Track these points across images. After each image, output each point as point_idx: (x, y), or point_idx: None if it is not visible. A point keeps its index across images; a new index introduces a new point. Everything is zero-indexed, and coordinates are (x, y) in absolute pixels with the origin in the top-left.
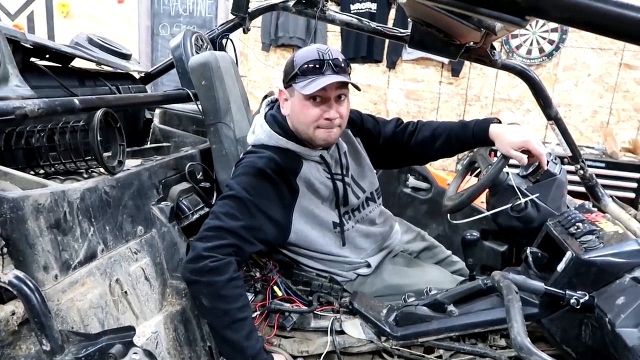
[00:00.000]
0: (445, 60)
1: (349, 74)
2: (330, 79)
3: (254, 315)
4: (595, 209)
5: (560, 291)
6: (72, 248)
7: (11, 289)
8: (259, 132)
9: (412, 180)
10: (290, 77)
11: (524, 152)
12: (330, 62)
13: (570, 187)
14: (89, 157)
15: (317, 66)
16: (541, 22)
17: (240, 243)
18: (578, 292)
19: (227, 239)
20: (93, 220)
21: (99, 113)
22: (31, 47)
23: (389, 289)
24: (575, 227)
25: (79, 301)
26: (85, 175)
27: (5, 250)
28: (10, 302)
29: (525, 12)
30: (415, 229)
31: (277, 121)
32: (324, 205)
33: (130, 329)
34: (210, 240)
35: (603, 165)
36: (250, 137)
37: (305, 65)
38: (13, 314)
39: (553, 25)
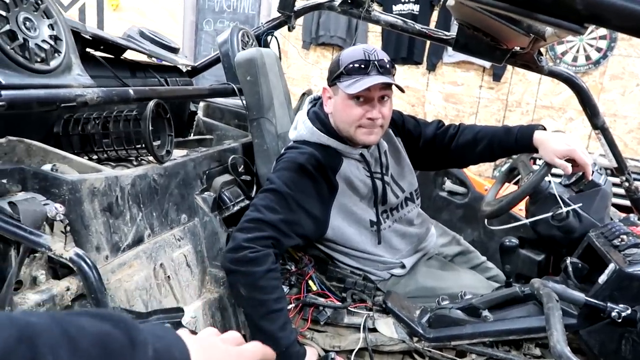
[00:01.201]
0: (487, 65)
1: (394, 75)
2: (375, 79)
3: (288, 307)
4: None
5: (602, 303)
6: (122, 231)
7: (72, 265)
8: (301, 128)
9: (449, 184)
10: (335, 76)
11: (568, 161)
12: (375, 62)
13: (614, 200)
14: (140, 146)
15: (363, 66)
16: (590, 28)
17: (279, 236)
18: (620, 305)
19: (266, 231)
20: (142, 205)
21: (151, 104)
22: (90, 38)
23: (422, 290)
24: (620, 240)
25: (126, 282)
26: (135, 163)
27: (68, 228)
28: (65, 278)
29: (584, 20)
30: (451, 232)
31: (319, 118)
32: (362, 203)
33: (180, 310)
34: (250, 232)
35: None
36: (292, 132)
37: (351, 65)
38: (67, 289)
39: (602, 32)
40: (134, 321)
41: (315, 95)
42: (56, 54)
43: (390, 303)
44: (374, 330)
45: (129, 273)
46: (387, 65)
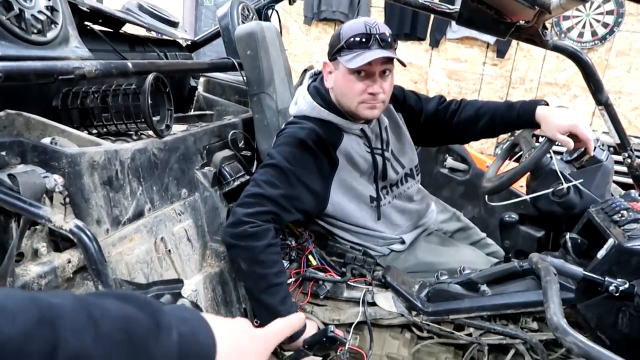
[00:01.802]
0: (491, 41)
1: (395, 49)
2: (376, 53)
3: (288, 281)
4: None
5: (600, 277)
6: (122, 205)
7: (72, 237)
8: (301, 103)
9: (450, 161)
10: (336, 50)
11: (570, 136)
12: (377, 36)
13: (616, 178)
14: (139, 120)
15: (364, 40)
16: (596, 3)
17: (279, 211)
18: (618, 279)
19: (266, 206)
20: (142, 180)
21: (150, 77)
22: (87, 10)
23: (421, 266)
24: (620, 215)
25: (127, 255)
26: (135, 137)
27: (67, 200)
28: (67, 250)
29: None
30: (451, 209)
31: (319, 93)
32: (362, 178)
33: (179, 282)
34: (251, 207)
35: None
36: (292, 108)
37: (352, 39)
38: (69, 261)
39: (609, 7)
40: (159, 303)
41: (316, 70)
42: (53, 26)
43: (390, 277)
44: (373, 304)
45: (129, 246)
46: (389, 39)
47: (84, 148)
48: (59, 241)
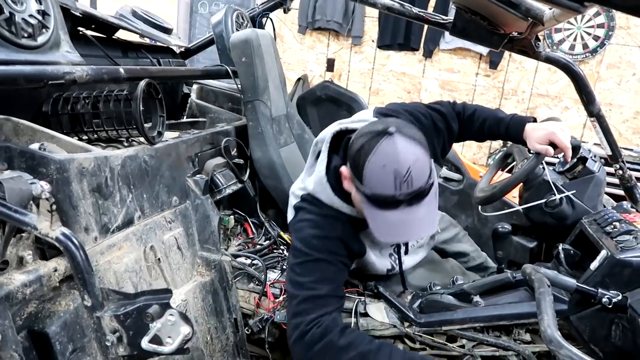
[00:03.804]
0: (484, 52)
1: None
2: (405, 222)
3: (280, 295)
4: (634, 210)
5: (593, 289)
6: (111, 212)
7: (58, 245)
8: (322, 194)
9: (444, 170)
10: (358, 182)
11: (552, 145)
12: (407, 196)
13: (608, 189)
14: (131, 126)
15: (391, 202)
16: (587, 16)
17: (338, 302)
18: (611, 291)
19: (327, 306)
20: (132, 187)
21: (142, 83)
22: (80, 15)
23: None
24: (612, 227)
25: (115, 264)
26: (126, 144)
27: (54, 207)
28: (53, 259)
29: None
30: (454, 225)
31: (340, 190)
32: (383, 250)
33: (168, 292)
34: (310, 312)
35: None
36: (309, 181)
37: (377, 195)
38: (55, 270)
39: (600, 20)
40: None
41: (329, 136)
42: (44, 30)
43: (382, 288)
44: (365, 314)
45: (118, 255)
46: (423, 190)
47: (73, 154)
48: (45, 249)
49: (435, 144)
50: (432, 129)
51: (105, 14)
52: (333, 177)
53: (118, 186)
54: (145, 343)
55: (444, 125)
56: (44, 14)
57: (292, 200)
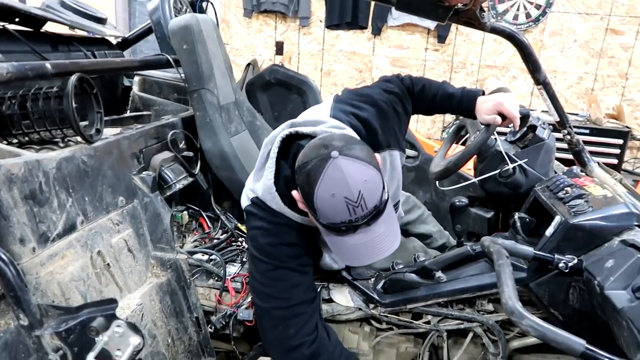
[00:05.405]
0: (432, 26)
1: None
2: (365, 244)
3: (240, 288)
4: (583, 174)
5: (549, 255)
6: (49, 220)
7: None
8: (269, 200)
9: None
10: (312, 212)
11: (501, 116)
12: (363, 220)
13: (558, 154)
14: (65, 126)
15: (348, 228)
16: None
17: (314, 309)
18: (567, 256)
19: (302, 315)
20: (71, 190)
21: (73, 78)
22: None
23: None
24: (564, 192)
25: (59, 274)
26: (62, 145)
27: None
28: None
29: None
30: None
31: (293, 204)
32: None
33: (113, 302)
34: (290, 328)
35: (587, 131)
36: (258, 187)
37: (334, 224)
38: None
39: None
40: None
41: (283, 135)
42: None
43: (345, 272)
44: (330, 300)
45: (61, 264)
46: (378, 209)
47: (0, 160)
48: None
49: (397, 130)
50: (393, 115)
51: (29, 6)
52: (283, 186)
53: (55, 191)
54: (91, 359)
55: (401, 108)
56: None
57: (244, 201)
